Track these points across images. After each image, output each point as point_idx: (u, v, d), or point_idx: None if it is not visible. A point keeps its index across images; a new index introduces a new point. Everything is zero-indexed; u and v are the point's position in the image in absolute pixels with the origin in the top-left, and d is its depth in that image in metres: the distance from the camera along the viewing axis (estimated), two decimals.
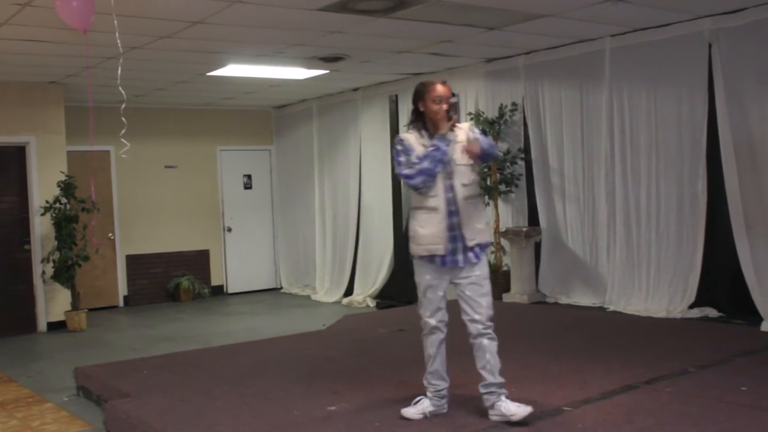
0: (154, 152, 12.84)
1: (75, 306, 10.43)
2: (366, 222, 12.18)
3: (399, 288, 11.22)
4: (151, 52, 8.45)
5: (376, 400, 5.43)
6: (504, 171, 9.92)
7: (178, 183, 13.20)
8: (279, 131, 14.26)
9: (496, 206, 10.02)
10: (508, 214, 10.15)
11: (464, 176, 4.82)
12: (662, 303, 8.32)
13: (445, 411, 5.01)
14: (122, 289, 12.68)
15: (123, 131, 6.61)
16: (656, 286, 8.45)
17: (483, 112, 10.11)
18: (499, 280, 9.96)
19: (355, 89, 12.21)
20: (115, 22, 6.12)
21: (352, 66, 9.98)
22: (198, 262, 13.41)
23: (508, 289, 9.83)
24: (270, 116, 14.33)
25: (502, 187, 9.95)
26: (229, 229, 13.78)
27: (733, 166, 7.74)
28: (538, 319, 8.69)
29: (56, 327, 10.47)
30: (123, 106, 6.95)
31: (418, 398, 5.05)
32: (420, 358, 6.73)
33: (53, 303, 10.54)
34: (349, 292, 12.36)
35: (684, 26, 8.03)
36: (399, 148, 4.89)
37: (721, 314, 8.05)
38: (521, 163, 9.90)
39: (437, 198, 4.80)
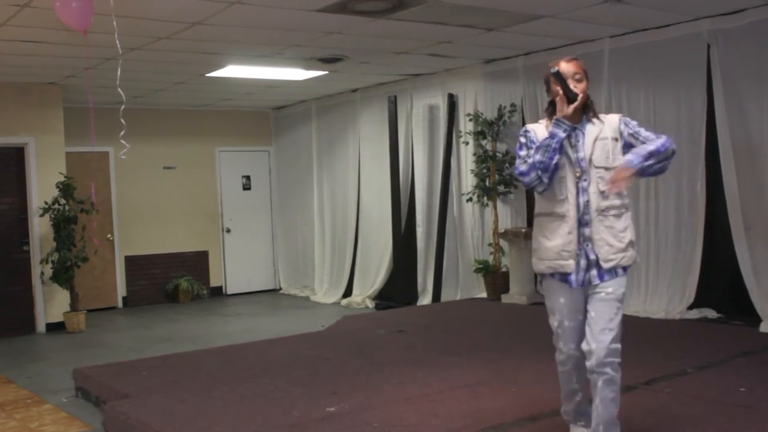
0: (152, 153, 12.84)
1: (74, 307, 10.43)
2: (365, 223, 12.18)
3: (398, 289, 11.23)
4: (150, 53, 8.45)
5: (374, 401, 5.43)
6: (503, 172, 9.92)
7: (177, 184, 13.20)
8: (278, 132, 14.27)
9: (495, 207, 10.02)
10: (507, 215, 10.15)
11: (603, 182, 3.92)
12: (661, 304, 8.32)
13: None
14: (121, 290, 12.67)
15: (122, 132, 6.61)
16: (655, 287, 8.45)
17: (482, 113, 10.12)
18: (498, 281, 9.98)
19: (354, 90, 12.22)
20: (115, 23, 6.12)
21: (351, 67, 9.98)
22: (197, 263, 13.41)
23: (506, 290, 9.83)
24: (269, 117, 14.33)
25: (501, 188, 9.96)
26: (228, 230, 13.78)
27: (732, 167, 7.75)
28: (537, 319, 8.64)
29: (55, 328, 10.46)
30: (122, 107, 6.95)
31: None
32: (418, 359, 6.77)
33: (52, 304, 10.53)
34: (348, 293, 12.36)
35: (683, 27, 8.04)
36: (522, 140, 4.11)
37: (719, 315, 8.06)
38: None
39: (566, 202, 3.96)
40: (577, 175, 3.96)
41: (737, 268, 7.73)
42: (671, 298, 8.28)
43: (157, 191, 13.00)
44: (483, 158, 10.04)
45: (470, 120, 10.23)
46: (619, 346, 3.89)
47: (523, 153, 4.05)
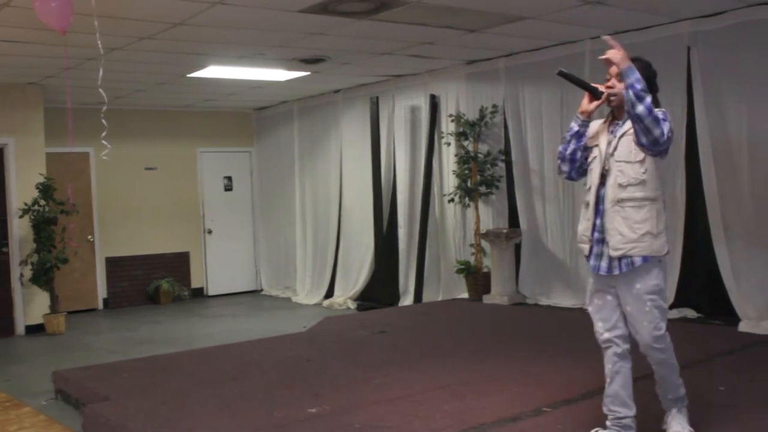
0: (134, 154, 12.77)
1: (54, 309, 10.36)
2: (347, 224, 12.18)
3: (380, 289, 11.24)
4: (131, 54, 8.41)
5: (356, 402, 5.43)
6: (485, 173, 9.94)
7: (158, 185, 13.15)
8: (260, 133, 14.24)
9: (476, 208, 10.04)
10: (489, 215, 10.17)
11: (622, 175, 4.06)
12: None
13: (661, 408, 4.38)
14: (102, 292, 12.60)
15: (104, 134, 6.57)
16: None
17: (464, 114, 10.14)
18: (479, 281, 10.00)
19: (336, 91, 12.21)
20: (96, 23, 6.09)
21: (333, 68, 9.97)
22: (178, 264, 13.36)
23: (488, 291, 9.86)
24: (251, 118, 14.30)
25: (483, 189, 9.98)
26: (210, 231, 13.74)
27: (712, 168, 7.81)
28: (519, 320, 8.72)
29: (35, 330, 10.38)
30: (104, 108, 6.92)
31: (594, 431, 4.36)
32: (400, 360, 6.78)
33: (31, 306, 10.46)
34: (329, 293, 12.35)
35: (663, 29, 8.08)
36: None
37: (699, 315, 8.11)
38: (502, 164, 9.93)
39: (590, 192, 4.22)
40: (605, 168, 4.16)
41: (717, 269, 7.78)
42: None
43: (138, 192, 12.94)
44: (465, 159, 10.05)
45: (452, 121, 10.24)
46: (660, 332, 4.11)
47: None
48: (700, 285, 8.19)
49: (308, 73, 10.22)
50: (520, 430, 4.71)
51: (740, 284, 7.64)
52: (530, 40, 8.82)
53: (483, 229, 9.98)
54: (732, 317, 7.61)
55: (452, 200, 10.28)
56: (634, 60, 4.17)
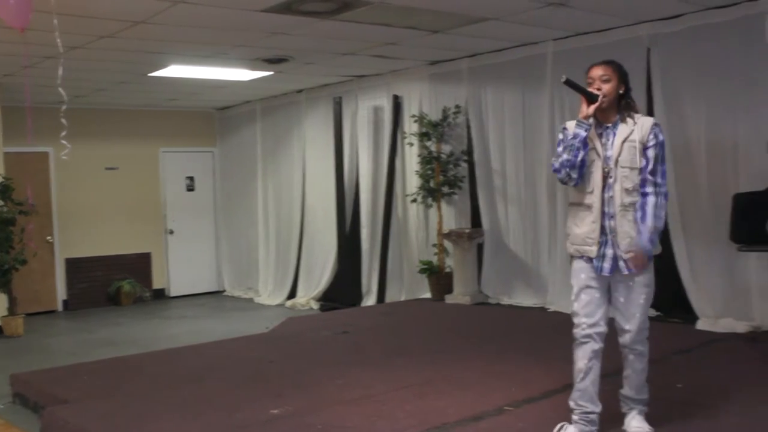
0: (94, 154, 12.65)
1: (12, 311, 10.20)
2: (310, 224, 12.15)
3: (342, 290, 11.23)
4: (91, 52, 8.32)
5: (318, 403, 5.42)
6: (447, 173, 9.97)
7: (119, 185, 13.03)
8: (222, 133, 14.16)
9: (439, 208, 10.07)
10: (451, 215, 10.21)
11: (627, 180, 4.22)
12: None
13: (621, 411, 4.52)
14: (61, 294, 12.47)
15: (63, 133, 6.48)
16: None
17: (427, 115, 10.16)
18: (442, 281, 10.04)
19: (299, 91, 12.18)
20: (55, 21, 6.01)
21: (296, 67, 9.95)
22: (139, 265, 13.25)
23: (450, 291, 9.89)
24: (213, 118, 14.22)
25: (445, 189, 10.01)
26: (171, 232, 13.64)
27: (671, 168, 7.87)
28: (481, 319, 8.77)
29: None
30: (63, 108, 6.83)
31: (560, 425, 4.45)
32: (363, 360, 6.78)
33: None
34: (292, 294, 12.32)
35: (623, 31, 8.17)
36: (560, 137, 4.41)
37: (658, 313, 8.19)
38: (464, 165, 9.97)
39: (593, 195, 4.28)
40: (606, 171, 4.27)
41: (675, 267, 7.88)
42: None
43: (99, 192, 12.81)
44: (427, 159, 10.08)
45: (415, 121, 10.26)
46: (647, 325, 4.39)
47: (560, 149, 4.37)
48: (659, 284, 8.23)
49: (271, 72, 10.19)
50: (482, 430, 4.73)
51: (698, 283, 7.75)
52: (493, 41, 8.87)
53: (446, 229, 10.02)
54: (690, 315, 7.71)
55: (415, 200, 10.30)
56: (609, 63, 4.39)
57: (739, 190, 6.79)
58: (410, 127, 10.47)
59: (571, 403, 4.43)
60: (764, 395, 5.19)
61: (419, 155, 10.28)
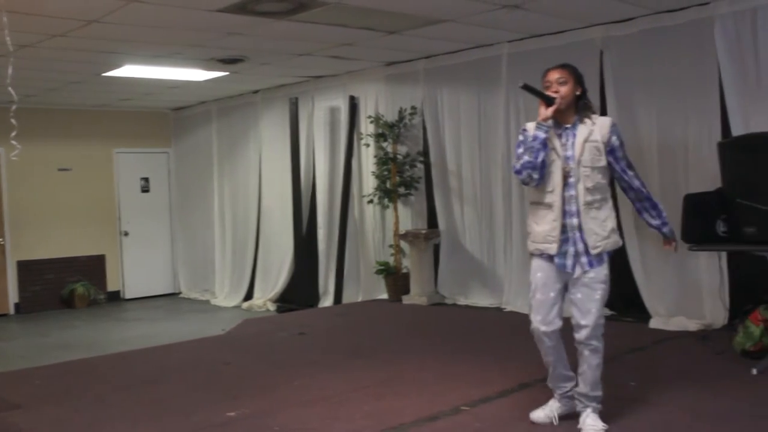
0: (46, 154, 12.48)
1: None
2: (266, 225, 12.11)
3: (299, 291, 11.21)
4: (43, 51, 8.20)
5: (275, 405, 5.41)
6: (403, 174, 10.00)
7: (72, 186, 12.86)
8: (177, 133, 14.05)
9: (395, 209, 10.10)
10: (408, 216, 10.24)
11: (588, 179, 4.35)
12: None
13: (576, 410, 4.63)
14: (13, 297, 12.27)
15: (14, 133, 6.38)
16: None
17: (383, 116, 10.18)
18: (399, 282, 10.06)
19: (255, 91, 12.13)
20: (5, 18, 5.93)
21: (251, 68, 9.90)
22: (93, 267, 13.10)
23: (407, 291, 9.92)
24: (168, 118, 14.10)
25: (402, 190, 10.03)
26: (126, 234, 13.49)
27: None
28: (437, 320, 8.80)
29: None
30: (14, 107, 6.72)
31: (542, 409, 4.73)
32: (320, 362, 6.78)
33: None
34: (249, 295, 12.26)
35: (577, 33, 8.26)
36: (520, 138, 4.49)
37: (612, 312, 8.28)
38: (420, 166, 10.01)
39: (553, 194, 4.38)
40: (566, 170, 4.37)
41: (629, 267, 7.99)
42: None
43: (52, 194, 12.63)
44: (384, 160, 10.10)
45: (371, 122, 10.27)
46: (603, 321, 4.45)
47: (520, 151, 4.46)
48: (612, 283, 8.34)
49: (226, 73, 10.13)
50: (439, 429, 4.75)
51: (651, 282, 7.87)
52: (449, 43, 8.92)
53: (402, 230, 10.04)
54: (643, 314, 7.82)
55: (371, 201, 10.31)
56: (565, 66, 4.54)
57: (690, 191, 6.90)
58: (366, 127, 10.48)
59: (550, 384, 4.71)
60: (715, 392, 5.28)
61: (375, 156, 10.30)
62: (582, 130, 4.40)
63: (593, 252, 4.37)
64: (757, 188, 5.77)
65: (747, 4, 7.04)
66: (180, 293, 13.90)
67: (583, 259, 4.39)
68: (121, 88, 11.03)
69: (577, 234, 4.38)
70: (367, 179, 10.61)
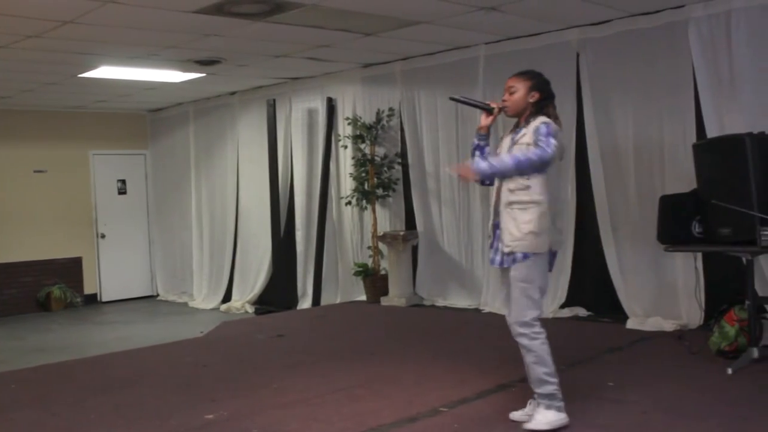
0: (22, 156, 12.38)
1: None
2: (244, 227, 12.07)
3: (278, 293, 11.19)
4: (17, 52, 8.13)
5: (254, 407, 5.39)
6: (381, 175, 10.01)
7: (48, 188, 12.75)
8: (154, 135, 13.97)
9: (373, 211, 10.10)
10: (386, 218, 10.25)
11: (511, 181, 4.49)
12: None
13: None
14: None
15: None
16: None
17: (360, 117, 10.18)
18: (377, 283, 10.06)
19: (233, 93, 12.09)
20: None
21: (228, 69, 9.87)
22: (70, 269, 12.99)
23: (386, 293, 9.92)
24: (145, 120, 14.02)
25: (380, 192, 10.04)
26: (103, 236, 13.40)
27: (600, 171, 8.07)
28: (416, 321, 8.81)
29: None
30: None
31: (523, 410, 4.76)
32: (299, 363, 6.79)
33: None
34: (227, 298, 12.22)
35: (553, 36, 8.31)
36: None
37: (590, 313, 8.36)
38: (398, 167, 10.03)
39: (492, 193, 4.69)
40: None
41: (606, 268, 8.04)
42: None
43: (27, 196, 12.52)
44: (362, 162, 10.11)
45: (349, 124, 10.27)
46: (525, 319, 4.51)
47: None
48: (590, 284, 8.44)
49: (203, 74, 10.09)
50: (417, 431, 4.76)
51: (627, 283, 7.92)
52: (426, 45, 8.94)
53: (380, 231, 10.05)
54: (620, 315, 7.87)
55: (349, 203, 10.31)
56: (522, 74, 4.65)
57: (666, 192, 6.96)
58: (344, 129, 10.48)
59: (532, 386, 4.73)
60: (692, 391, 5.33)
61: (353, 158, 10.30)
62: (518, 134, 4.58)
63: (504, 250, 4.54)
64: (732, 189, 5.82)
65: (721, 7, 7.11)
66: (158, 296, 13.82)
67: (498, 257, 4.60)
68: (97, 90, 10.96)
69: (499, 232, 4.59)
70: (345, 181, 10.61)
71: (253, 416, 5.17)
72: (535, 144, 4.40)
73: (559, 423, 4.51)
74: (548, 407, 4.53)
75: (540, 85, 4.64)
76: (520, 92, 4.60)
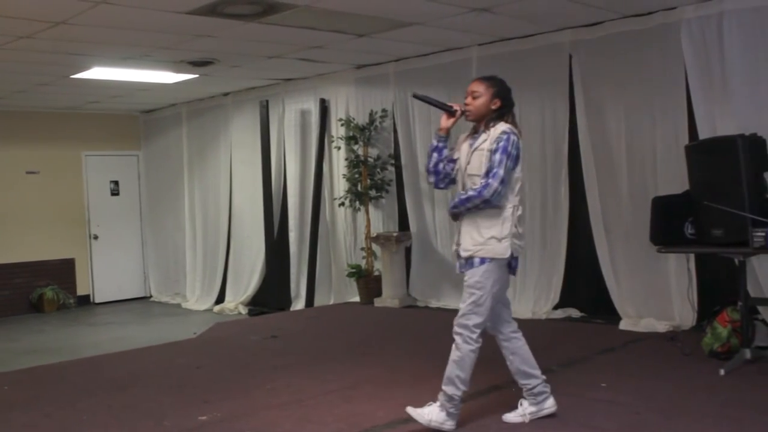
0: (14, 157, 12.36)
1: None
2: (237, 228, 12.06)
3: (271, 294, 11.18)
4: (9, 53, 8.11)
5: (247, 408, 5.39)
6: (375, 177, 10.01)
7: (40, 189, 12.73)
8: (147, 136, 13.95)
9: (367, 212, 10.11)
10: (379, 219, 10.26)
11: (474, 186, 4.52)
12: (528, 305, 8.57)
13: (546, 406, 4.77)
14: None
15: None
16: (522, 289, 8.68)
17: (354, 118, 10.19)
18: (371, 284, 10.06)
19: (226, 94, 12.09)
20: None
21: (221, 70, 9.87)
22: (63, 271, 12.96)
23: (379, 294, 9.93)
24: (138, 121, 14.00)
25: (373, 193, 10.05)
26: (96, 237, 13.38)
27: (593, 172, 8.08)
28: (409, 322, 8.82)
29: None
30: None
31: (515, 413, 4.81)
32: (292, 365, 6.79)
33: None
34: (220, 299, 12.21)
35: (546, 37, 8.32)
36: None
37: (583, 314, 8.38)
38: (391, 168, 10.03)
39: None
40: (463, 179, 4.62)
41: (599, 269, 8.06)
42: (537, 299, 8.55)
43: (20, 197, 12.49)
44: (355, 163, 10.11)
45: (342, 125, 10.28)
46: (467, 322, 4.57)
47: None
48: (583, 286, 8.46)
49: (196, 75, 10.08)
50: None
51: (620, 284, 7.93)
52: (419, 46, 8.94)
53: (373, 232, 10.06)
54: (613, 316, 7.89)
55: (343, 204, 10.31)
56: (485, 79, 4.69)
57: (658, 193, 6.98)
58: (337, 130, 10.48)
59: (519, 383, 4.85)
60: (684, 392, 5.34)
61: (346, 159, 10.30)
62: (478, 140, 4.58)
63: (463, 255, 4.59)
64: (723, 191, 5.84)
65: (713, 9, 7.13)
66: (151, 297, 13.81)
67: (459, 262, 4.67)
68: (89, 91, 10.94)
69: (459, 237, 4.62)
70: (338, 182, 10.61)
71: (247, 417, 5.17)
72: (493, 154, 4.43)
73: (441, 427, 4.56)
74: (441, 407, 4.57)
75: (503, 92, 4.64)
76: (483, 98, 4.60)
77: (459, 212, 4.58)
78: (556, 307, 8.46)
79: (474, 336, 4.54)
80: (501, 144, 4.44)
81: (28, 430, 5.18)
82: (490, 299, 4.55)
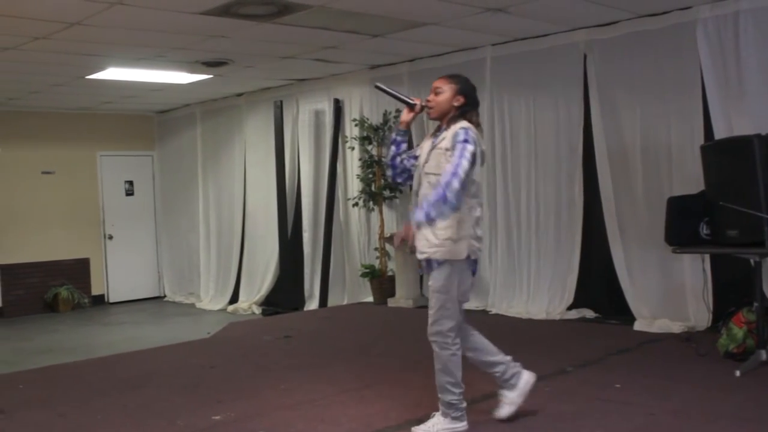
0: (30, 157, 12.41)
1: None
2: (251, 228, 12.08)
3: (285, 294, 11.20)
4: (25, 54, 8.16)
5: (261, 408, 5.40)
6: (388, 177, 9.99)
7: (56, 189, 12.79)
8: (161, 136, 14.00)
9: (380, 212, 10.10)
10: (393, 219, 10.24)
11: (429, 186, 4.39)
12: (542, 305, 8.55)
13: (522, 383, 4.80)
14: None
15: None
16: (536, 289, 8.67)
17: (367, 119, 10.18)
18: (384, 285, 10.05)
19: (240, 94, 12.11)
20: None
21: (235, 71, 9.88)
22: (77, 270, 13.02)
23: (393, 294, 9.92)
24: (152, 121, 14.05)
25: (387, 193, 10.04)
26: (110, 237, 13.44)
27: (608, 172, 8.05)
28: (423, 323, 8.73)
29: None
30: None
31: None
32: (305, 365, 6.79)
33: None
34: (234, 299, 12.23)
35: (561, 37, 8.30)
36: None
37: (597, 315, 8.35)
38: None
39: (413, 197, 4.62)
40: (419, 177, 4.54)
41: (613, 270, 8.03)
42: (552, 300, 8.52)
43: (35, 197, 12.56)
44: (369, 163, 10.11)
45: (356, 125, 10.28)
46: (439, 328, 4.50)
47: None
48: (597, 286, 8.42)
49: (210, 76, 10.10)
50: None
51: (635, 285, 7.90)
52: (433, 46, 8.93)
53: (387, 232, 10.05)
54: (628, 316, 7.85)
55: (356, 204, 10.31)
56: (450, 77, 4.67)
57: (673, 194, 6.94)
58: (351, 131, 10.48)
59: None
60: (699, 394, 5.31)
61: (360, 159, 10.30)
62: (437, 139, 4.51)
63: (420, 257, 4.49)
64: (740, 191, 5.80)
65: (729, 8, 7.09)
66: (165, 297, 13.85)
67: (424, 263, 4.52)
68: (104, 91, 10.99)
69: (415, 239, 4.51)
70: (352, 182, 10.61)
71: (260, 417, 5.17)
72: (450, 153, 4.31)
73: (453, 430, 4.54)
74: (444, 415, 4.55)
75: (466, 90, 4.60)
76: (446, 94, 4.56)
77: (434, 220, 4.25)
78: (570, 308, 8.43)
79: (449, 340, 4.50)
80: (459, 139, 4.33)
81: (43, 429, 5.20)
82: (457, 301, 4.50)
